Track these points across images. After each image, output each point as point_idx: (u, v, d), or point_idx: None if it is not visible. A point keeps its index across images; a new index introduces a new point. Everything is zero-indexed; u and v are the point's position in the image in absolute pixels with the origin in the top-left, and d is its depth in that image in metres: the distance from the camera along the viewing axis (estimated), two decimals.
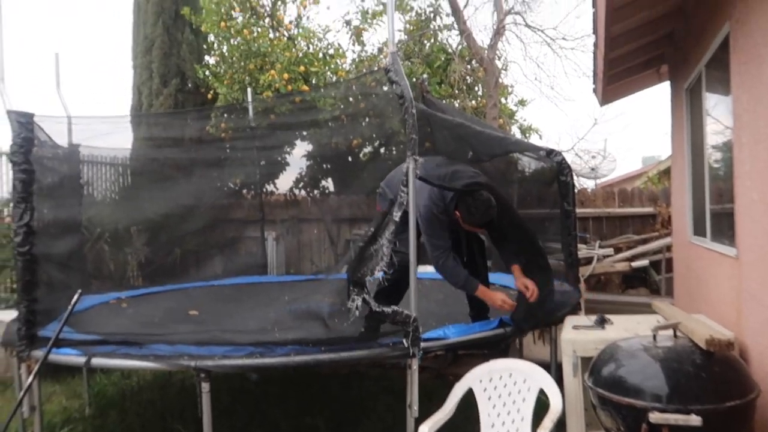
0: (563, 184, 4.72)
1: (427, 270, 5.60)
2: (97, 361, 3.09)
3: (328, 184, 8.67)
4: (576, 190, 5.82)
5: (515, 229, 3.85)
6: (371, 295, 3.04)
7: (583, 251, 6.34)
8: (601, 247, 6.85)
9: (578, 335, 3.19)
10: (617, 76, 5.49)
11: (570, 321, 3.57)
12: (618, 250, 6.97)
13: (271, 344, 3.05)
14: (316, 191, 8.62)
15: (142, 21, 8.40)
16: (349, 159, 8.19)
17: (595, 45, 4.73)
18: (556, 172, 4.71)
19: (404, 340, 3.01)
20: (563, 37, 7.24)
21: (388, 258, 3.08)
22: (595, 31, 4.33)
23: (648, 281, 6.99)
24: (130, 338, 3.12)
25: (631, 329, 3.17)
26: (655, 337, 2.49)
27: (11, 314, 5.04)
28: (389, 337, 3.11)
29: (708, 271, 3.86)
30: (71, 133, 5.02)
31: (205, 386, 2.89)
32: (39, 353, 3.23)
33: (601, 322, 3.37)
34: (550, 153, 4.77)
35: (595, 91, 5.96)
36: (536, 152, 4.82)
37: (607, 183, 12.91)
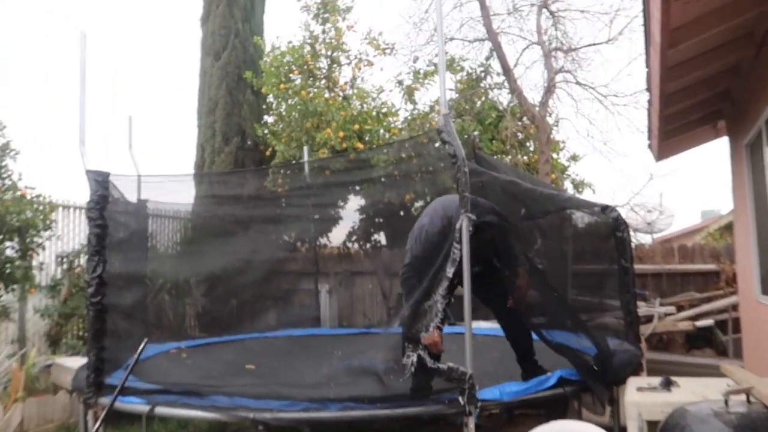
0: (620, 241, 4.65)
1: (481, 326, 5.56)
2: (160, 410, 3.19)
3: (381, 237, 8.77)
4: (633, 246, 5.69)
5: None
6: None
7: (642, 309, 6.12)
8: (661, 304, 6.60)
9: (643, 397, 3.06)
10: (673, 132, 5.44)
11: (633, 382, 3.43)
12: (680, 308, 6.69)
13: (327, 400, 3.08)
14: (368, 245, 8.73)
15: (207, 84, 8.95)
16: (401, 213, 8.30)
17: (649, 102, 4.73)
18: (612, 228, 4.65)
19: (460, 398, 2.98)
20: (615, 93, 7.26)
21: (442, 314, 3.10)
22: (648, 89, 4.34)
23: (714, 342, 6.65)
24: (192, 389, 3.21)
25: (699, 393, 3.03)
26: (726, 402, 2.38)
27: (79, 361, 5.28)
28: (444, 393, 3.09)
29: None
30: (140, 190, 5.35)
31: None
32: (105, 400, 3.36)
33: (667, 384, 3.24)
34: (606, 209, 4.73)
35: (650, 147, 5.90)
36: (591, 209, 4.78)
37: (664, 238, 12.51)
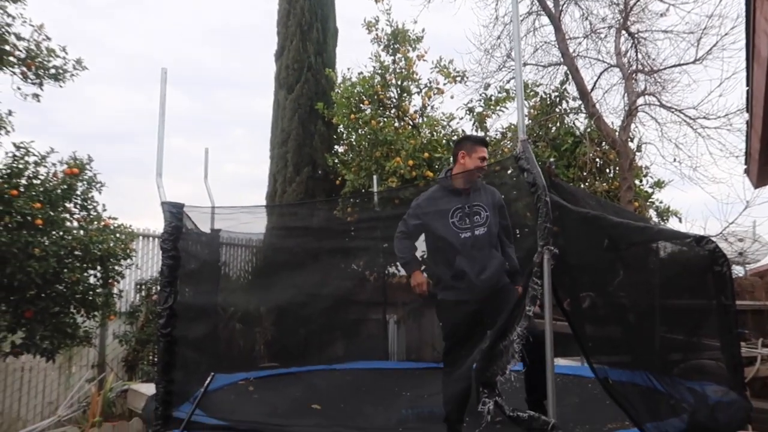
0: (718, 276, 4.22)
1: (559, 362, 5.20)
2: None
3: None
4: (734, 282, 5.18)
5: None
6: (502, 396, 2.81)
7: (743, 350, 5.55)
8: (765, 345, 5.97)
9: None
10: None
11: None
12: None
13: None
14: None
15: (280, 116, 9.14)
16: None
17: (749, 123, 4.33)
18: (710, 261, 4.24)
19: None
20: (705, 116, 6.76)
21: (519, 354, 2.86)
22: (749, 109, 3.97)
23: None
24: (258, 427, 3.10)
25: None
26: None
27: (153, 387, 5.35)
28: None
29: None
30: (213, 220, 5.43)
31: None
32: None
33: None
34: (700, 240, 4.33)
35: (747, 172, 5.42)
36: (684, 240, 4.39)
37: (758, 270, 11.51)
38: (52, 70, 5.53)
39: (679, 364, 4.28)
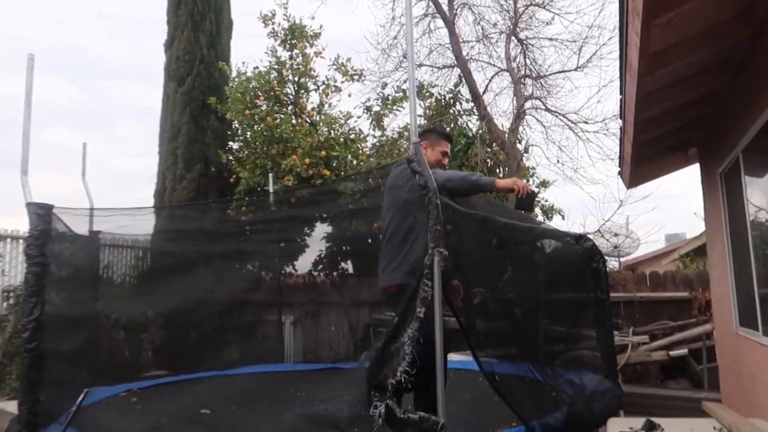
0: (595, 272, 4.49)
1: (452, 358, 5.32)
2: None
3: (348, 266, 8.52)
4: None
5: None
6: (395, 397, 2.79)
7: (615, 338, 5.98)
8: (635, 334, 6.48)
9: None
10: (644, 159, 5.38)
11: (613, 424, 3.24)
12: (653, 337, 6.57)
13: None
14: (335, 273, 8.47)
15: (170, 110, 8.65)
16: (369, 241, 8.08)
17: (622, 130, 4.65)
18: (587, 258, 4.51)
19: None
20: (585, 120, 7.23)
21: (410, 357, 2.86)
22: (622, 116, 4.25)
23: (688, 371, 6.54)
24: None
25: None
26: None
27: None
28: None
29: (764, 369, 3.54)
30: (92, 222, 5.02)
31: None
32: None
33: (650, 429, 3.05)
34: (579, 239, 4.59)
35: (621, 174, 5.84)
36: (564, 239, 4.64)
37: (631, 262, 12.55)
38: None
39: (561, 355, 4.53)
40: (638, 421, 3.19)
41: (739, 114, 3.72)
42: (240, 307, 7.91)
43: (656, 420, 3.20)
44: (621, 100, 3.94)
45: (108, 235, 7.13)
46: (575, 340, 4.65)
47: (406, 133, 8.24)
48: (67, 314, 3.76)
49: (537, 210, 8.57)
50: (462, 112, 8.25)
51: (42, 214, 3.26)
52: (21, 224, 6.81)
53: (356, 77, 8.52)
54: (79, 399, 3.11)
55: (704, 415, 3.27)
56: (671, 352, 6.15)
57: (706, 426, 3.01)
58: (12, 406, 5.10)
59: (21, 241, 6.82)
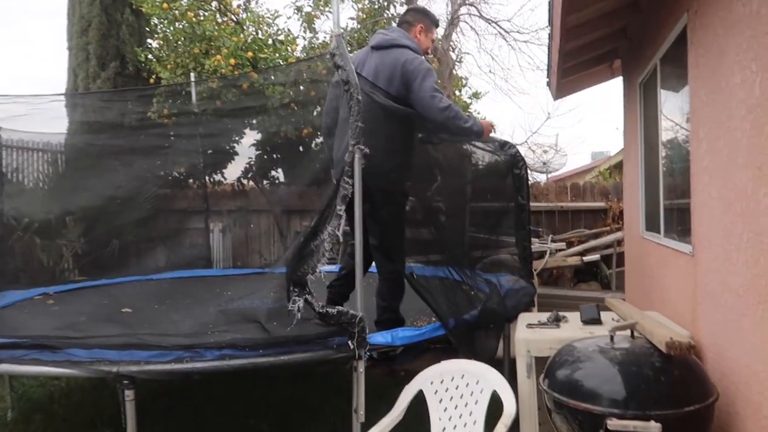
0: (517, 178, 4.61)
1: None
2: (5, 368, 2.77)
3: (278, 174, 8.37)
4: (530, 184, 5.74)
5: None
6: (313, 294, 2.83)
7: (535, 245, 6.29)
8: (553, 241, 6.83)
9: (532, 334, 3.06)
10: (571, 69, 5.42)
11: (523, 318, 3.44)
12: (570, 244, 6.97)
13: (202, 347, 2.80)
14: (265, 182, 8.31)
15: (78, 0, 7.87)
16: (300, 149, 7.91)
17: (550, 36, 4.62)
18: (510, 165, 4.60)
19: (350, 342, 2.81)
20: (518, 30, 7.17)
21: (328, 254, 2.87)
22: (550, 22, 4.22)
23: (599, 276, 7.02)
24: (44, 341, 2.80)
25: (586, 328, 3.06)
26: (612, 338, 2.37)
27: None
28: (333, 338, 2.91)
29: (661, 268, 3.82)
30: None
31: (129, 394, 2.62)
32: None
33: (556, 320, 3.26)
34: (504, 145, 4.66)
35: (549, 84, 5.88)
36: (489, 145, 4.69)
37: (558, 177, 13.03)
38: None
39: (482, 259, 4.72)
40: (544, 316, 3.40)
41: (657, 22, 3.76)
42: (164, 213, 7.70)
43: (563, 313, 3.42)
44: (549, 2, 3.89)
45: (14, 135, 6.65)
46: (496, 245, 4.85)
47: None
48: None
49: None
50: (396, 16, 7.95)
51: None
52: None
53: None
54: None
55: (608, 311, 3.51)
56: (584, 258, 6.56)
57: (606, 317, 3.24)
58: None
59: None
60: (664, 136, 3.89)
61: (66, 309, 4.25)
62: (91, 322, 3.58)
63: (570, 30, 4.16)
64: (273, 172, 8.35)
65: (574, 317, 3.37)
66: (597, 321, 3.21)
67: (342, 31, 3.09)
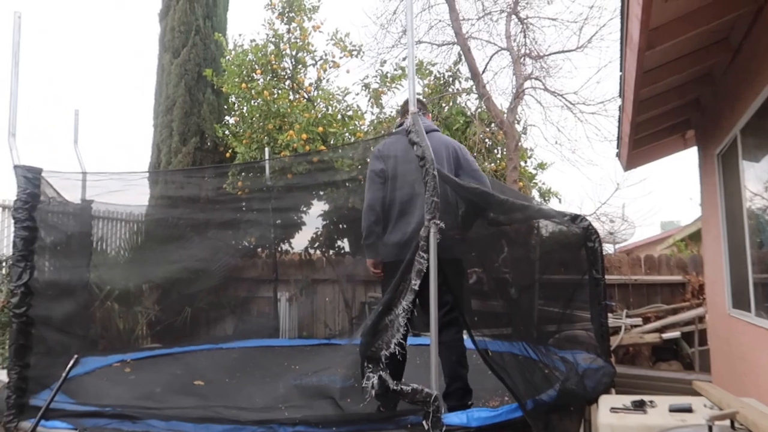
0: (591, 251, 4.52)
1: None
2: None
3: (344, 244, 8.49)
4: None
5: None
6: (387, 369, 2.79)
7: (609, 321, 6.01)
8: (628, 316, 6.51)
9: (618, 420, 2.87)
10: (642, 140, 5.35)
11: (605, 401, 3.25)
12: (646, 320, 6.61)
13: (276, 423, 2.78)
14: (331, 251, 8.44)
15: (165, 81, 8.54)
16: None
17: (621, 109, 4.60)
18: (583, 238, 4.51)
19: (424, 422, 2.73)
20: (584, 101, 7.17)
21: (404, 329, 2.85)
22: (621, 95, 4.21)
23: (680, 354, 6.58)
24: (126, 411, 2.87)
25: (676, 415, 2.86)
26: (711, 428, 2.19)
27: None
28: (406, 416, 2.84)
29: (755, 349, 3.55)
30: (85, 189, 4.96)
31: None
32: (27, 424, 2.99)
33: (642, 405, 3.06)
34: (576, 218, 4.60)
35: (618, 155, 5.80)
36: (560, 218, 4.63)
37: (626, 248, 12.57)
38: None
39: (555, 334, 4.54)
40: (629, 399, 3.20)
41: (738, 93, 3.69)
42: (235, 282, 7.91)
43: (648, 398, 3.21)
44: (621, 76, 3.89)
45: (102, 206, 7.09)
46: (569, 320, 4.67)
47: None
48: (57, 282, 3.73)
49: (534, 192, 8.55)
50: (461, 91, 8.17)
51: (30, 177, 3.21)
52: (9, 193, 6.71)
53: (355, 53, 8.41)
54: (69, 366, 3.09)
55: (695, 395, 3.27)
56: (663, 335, 6.19)
57: (697, 403, 3.02)
58: (4, 375, 5.10)
59: (9, 210, 6.75)
60: (751, 207, 3.72)
61: (142, 378, 4.36)
62: (168, 392, 3.65)
63: (642, 102, 4.14)
64: (339, 242, 8.48)
65: (660, 401, 3.15)
66: (687, 408, 2.99)
67: (416, 109, 3.17)
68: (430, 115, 3.90)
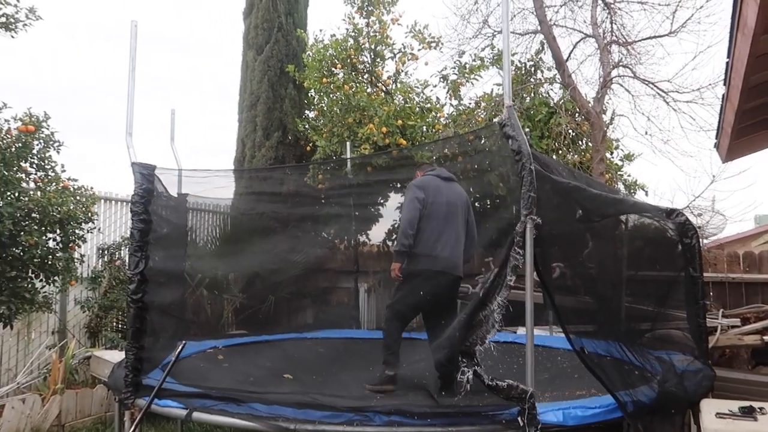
0: (688, 248, 4.31)
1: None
2: (197, 416, 3.03)
3: None
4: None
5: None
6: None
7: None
8: (725, 316, 6.16)
9: (726, 426, 2.75)
10: (746, 130, 5.03)
11: (708, 406, 3.11)
12: (745, 320, 6.23)
13: (371, 411, 2.85)
14: None
15: (249, 78, 8.85)
16: None
17: (724, 97, 4.35)
18: (680, 233, 4.31)
19: (519, 418, 2.72)
20: (677, 89, 6.80)
21: (499, 324, 2.84)
22: (726, 82, 3.97)
23: None
24: (230, 394, 3.03)
25: None
26: None
27: (116, 354, 5.20)
28: (501, 411, 2.83)
29: None
30: (181, 184, 5.23)
31: None
32: (142, 402, 3.22)
33: (750, 411, 2.90)
34: (671, 213, 4.39)
35: (717, 146, 5.50)
36: (655, 213, 4.44)
37: (716, 243, 11.88)
38: (2, 19, 5.15)
39: (646, 333, 4.38)
40: (731, 404, 3.06)
41: None
42: (316, 272, 8.12)
43: (756, 404, 3.04)
44: (728, 63, 3.68)
45: (192, 199, 7.46)
46: (663, 319, 4.48)
47: (483, 103, 8.06)
48: (163, 270, 3.96)
49: (619, 184, 8.23)
50: (543, 81, 7.97)
51: (146, 173, 3.44)
52: (114, 187, 7.18)
53: (433, 45, 8.38)
54: (178, 349, 3.30)
55: None
56: (766, 337, 5.82)
57: None
58: (109, 355, 5.49)
59: (113, 202, 7.23)
60: None
61: (235, 365, 4.58)
62: (263, 379, 3.81)
63: (750, 89, 3.90)
64: None
65: None
66: None
67: (512, 102, 3.13)
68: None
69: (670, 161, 7.39)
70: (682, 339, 4.37)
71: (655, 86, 6.90)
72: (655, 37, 7.06)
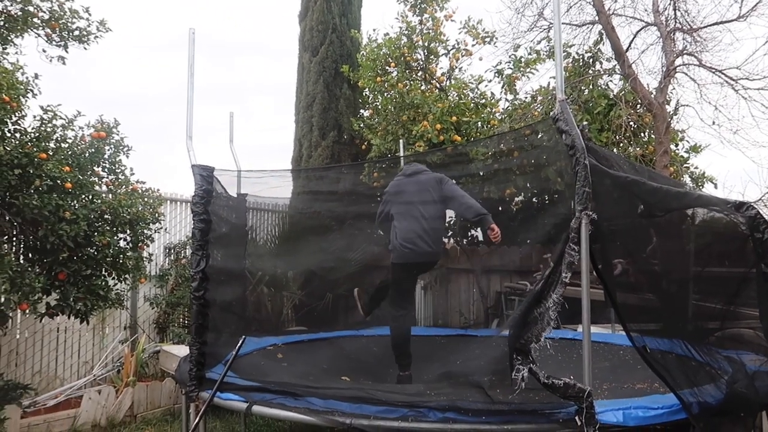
0: (760, 242, 4.08)
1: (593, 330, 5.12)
2: (257, 409, 3.13)
3: (478, 233, 8.45)
4: None
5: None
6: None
7: None
8: None
9: None
10: None
11: None
12: None
13: (426, 407, 2.87)
14: (465, 241, 8.44)
15: (305, 79, 9.02)
16: (500, 208, 7.93)
17: None
18: (750, 228, 4.09)
19: (577, 418, 2.67)
20: (747, 76, 6.44)
21: (554, 322, 2.80)
22: None
23: None
24: (288, 388, 3.12)
25: None
26: None
27: (183, 349, 5.43)
28: (559, 410, 2.79)
29: None
30: (240, 184, 5.41)
31: None
32: (205, 395, 3.36)
33: None
34: (741, 207, 4.17)
35: None
36: (723, 206, 4.23)
37: None
38: (76, 32, 5.48)
39: (715, 332, 4.18)
40: None
41: None
42: (372, 270, 8.18)
43: None
44: None
45: (251, 199, 7.69)
46: (733, 318, 4.27)
47: (539, 97, 7.91)
48: (224, 268, 4.12)
49: (686, 177, 7.88)
50: (602, 72, 7.73)
51: (205, 175, 3.59)
52: (178, 188, 7.49)
53: (487, 40, 8.30)
54: (239, 344, 3.42)
55: None
56: None
57: None
58: (176, 350, 5.75)
59: (179, 203, 7.55)
60: None
61: (294, 362, 4.70)
62: (321, 374, 3.89)
63: None
64: (472, 232, 8.46)
65: None
66: None
67: (565, 97, 3.07)
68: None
69: (741, 152, 6.99)
70: (754, 338, 4.15)
71: (722, 74, 6.56)
72: (722, 22, 6.71)
